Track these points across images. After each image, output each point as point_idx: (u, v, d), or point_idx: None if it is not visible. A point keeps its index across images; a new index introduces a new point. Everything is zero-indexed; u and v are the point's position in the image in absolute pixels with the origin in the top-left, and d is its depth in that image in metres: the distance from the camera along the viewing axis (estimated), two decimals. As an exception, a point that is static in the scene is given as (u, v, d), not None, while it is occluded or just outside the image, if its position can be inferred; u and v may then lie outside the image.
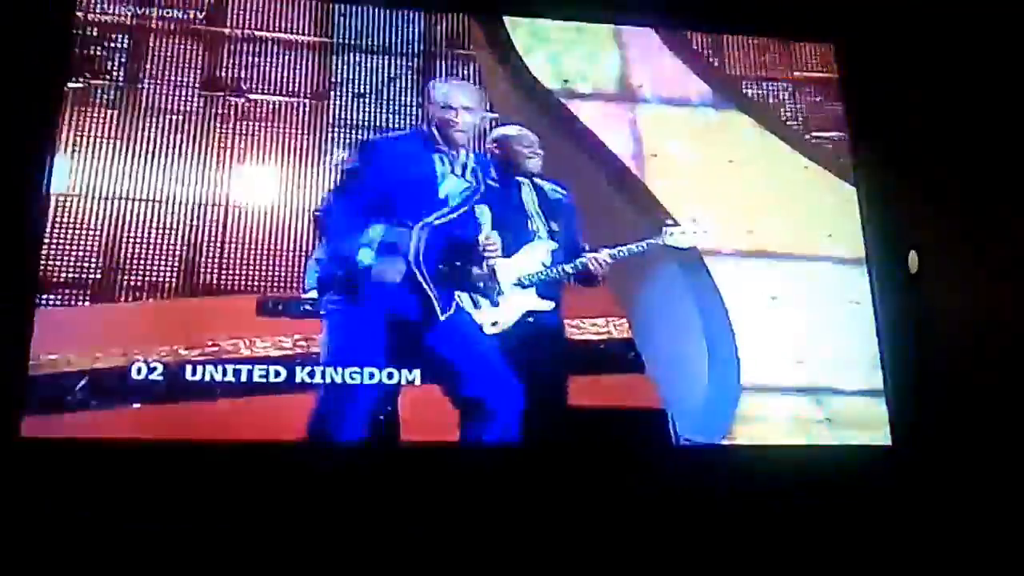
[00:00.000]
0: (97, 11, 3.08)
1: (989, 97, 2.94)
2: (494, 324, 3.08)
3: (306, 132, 3.11)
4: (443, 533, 2.62)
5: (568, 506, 2.74)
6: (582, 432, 2.97)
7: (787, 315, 3.32)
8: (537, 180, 3.25)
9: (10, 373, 2.61)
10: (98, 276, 2.86)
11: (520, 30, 3.47)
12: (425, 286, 2.91)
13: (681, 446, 3.00)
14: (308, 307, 2.94)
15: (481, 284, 3.07)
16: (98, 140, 2.97)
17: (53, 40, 2.93)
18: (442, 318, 2.92)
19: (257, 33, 3.19)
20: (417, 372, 2.89)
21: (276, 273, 2.97)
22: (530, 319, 3.10)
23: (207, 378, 2.80)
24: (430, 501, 2.67)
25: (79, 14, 3.04)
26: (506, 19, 3.46)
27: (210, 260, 2.95)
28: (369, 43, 3.27)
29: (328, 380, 2.82)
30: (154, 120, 3.02)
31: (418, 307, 2.91)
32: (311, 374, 2.83)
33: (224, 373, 2.81)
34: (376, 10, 3.31)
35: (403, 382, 2.87)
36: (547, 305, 3.13)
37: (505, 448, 2.86)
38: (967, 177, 3.01)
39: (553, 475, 2.79)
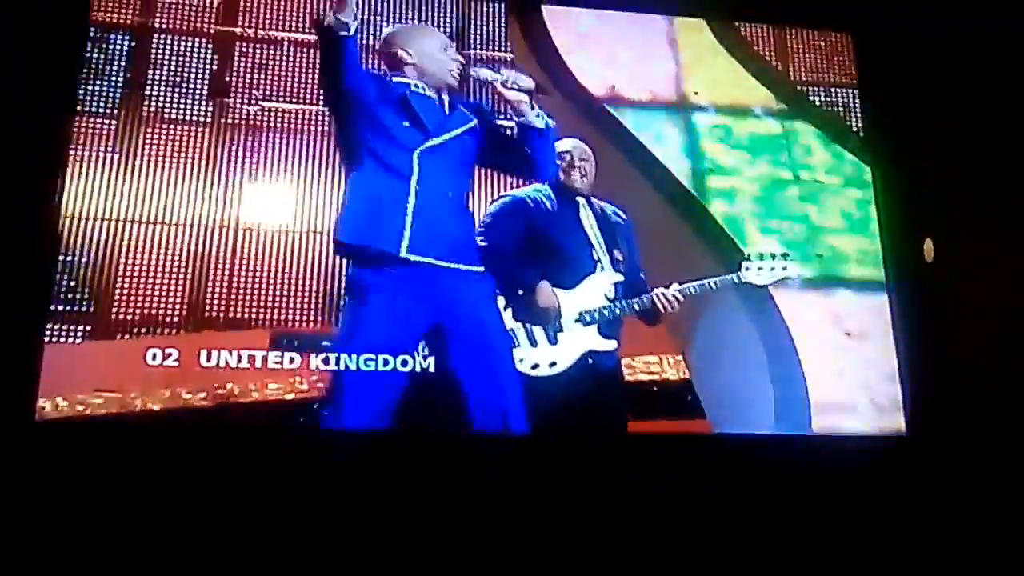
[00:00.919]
0: (94, 8, 2.77)
1: (1005, 84, 2.82)
2: (552, 364, 2.74)
3: (325, 144, 2.79)
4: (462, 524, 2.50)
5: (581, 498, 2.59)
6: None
7: (863, 353, 2.98)
8: (595, 201, 2.92)
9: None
10: (91, 309, 2.54)
11: (561, 30, 3.13)
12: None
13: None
14: (327, 344, 2.59)
15: (545, 318, 2.74)
16: (92, 153, 2.65)
17: (58, 45, 2.67)
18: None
19: (272, 33, 2.87)
20: (432, 359, 2.60)
21: (292, 304, 2.65)
22: (590, 360, 2.77)
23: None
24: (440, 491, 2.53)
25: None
26: (546, 18, 3.12)
27: (217, 290, 2.63)
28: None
29: (343, 367, 2.55)
30: (156, 131, 2.71)
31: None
32: (325, 360, 2.56)
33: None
34: (406, 9, 2.96)
35: (417, 369, 2.58)
36: (609, 345, 2.80)
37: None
38: (983, 163, 2.87)
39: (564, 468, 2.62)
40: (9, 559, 2.25)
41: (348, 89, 2.63)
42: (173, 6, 2.80)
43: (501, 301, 2.75)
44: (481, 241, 2.76)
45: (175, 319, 2.57)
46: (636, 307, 2.82)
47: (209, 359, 2.53)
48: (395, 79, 2.72)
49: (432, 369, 2.58)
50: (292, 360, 2.56)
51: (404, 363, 2.57)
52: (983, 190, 2.86)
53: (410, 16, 2.95)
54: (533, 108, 2.69)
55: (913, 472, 2.74)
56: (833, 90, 3.28)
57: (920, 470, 2.74)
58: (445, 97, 2.72)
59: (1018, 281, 2.70)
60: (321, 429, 2.53)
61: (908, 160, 3.11)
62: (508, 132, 2.81)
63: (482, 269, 2.69)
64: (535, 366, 2.74)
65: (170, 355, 2.51)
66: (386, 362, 2.55)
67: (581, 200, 2.89)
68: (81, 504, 2.34)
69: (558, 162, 2.87)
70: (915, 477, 2.73)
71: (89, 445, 2.41)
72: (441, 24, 2.96)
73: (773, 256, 2.94)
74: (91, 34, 2.72)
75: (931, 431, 2.84)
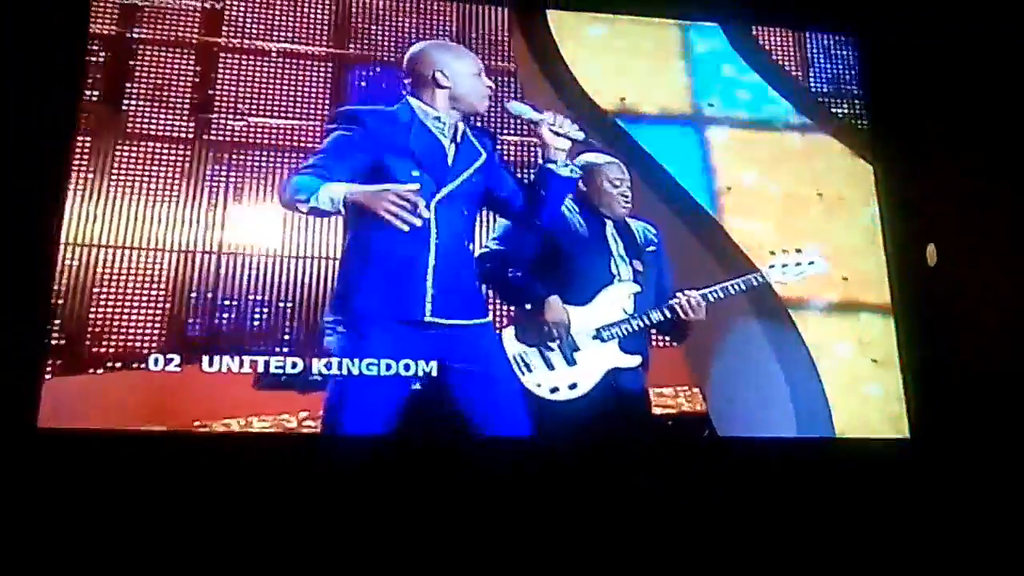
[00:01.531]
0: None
1: (1010, 88, 2.73)
2: (573, 387, 2.57)
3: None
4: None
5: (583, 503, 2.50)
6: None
7: (891, 381, 2.81)
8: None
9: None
10: (62, 342, 2.36)
11: (568, 40, 2.97)
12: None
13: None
14: (317, 378, 2.41)
15: (554, 336, 2.56)
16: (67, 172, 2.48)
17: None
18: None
19: (259, 44, 2.70)
20: (434, 363, 2.42)
21: (279, 335, 2.47)
22: (612, 381, 2.59)
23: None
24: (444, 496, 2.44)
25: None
26: (552, 27, 2.97)
27: (199, 319, 2.46)
28: (392, 54, 2.77)
29: (345, 371, 2.39)
30: (134, 148, 2.54)
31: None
32: (327, 365, 2.42)
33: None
34: (400, 14, 2.81)
35: (420, 373, 2.41)
36: (632, 361, 2.61)
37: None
38: (987, 169, 2.78)
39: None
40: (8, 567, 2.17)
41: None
42: (151, 15, 2.64)
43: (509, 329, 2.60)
44: (496, 245, 2.61)
45: (152, 351, 2.39)
46: (656, 317, 2.64)
47: (211, 364, 2.38)
48: (411, 99, 2.49)
49: (435, 374, 2.42)
50: (295, 366, 2.41)
51: (407, 367, 2.40)
52: (986, 195, 2.78)
53: (406, 23, 2.80)
54: (566, 156, 2.49)
55: (916, 475, 2.66)
56: (856, 102, 3.12)
57: (923, 474, 2.67)
58: (460, 125, 2.50)
59: (1020, 285, 2.63)
60: (322, 436, 2.41)
61: (912, 164, 3.00)
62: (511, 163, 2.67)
63: (488, 320, 2.53)
64: (554, 390, 2.56)
65: (171, 360, 2.36)
66: (389, 367, 2.39)
67: (608, 219, 2.73)
68: (81, 514, 2.24)
69: (607, 185, 2.71)
70: (918, 480, 2.65)
71: (90, 454, 2.30)
72: (439, 33, 2.81)
73: (799, 251, 2.78)
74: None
75: (934, 434, 2.76)
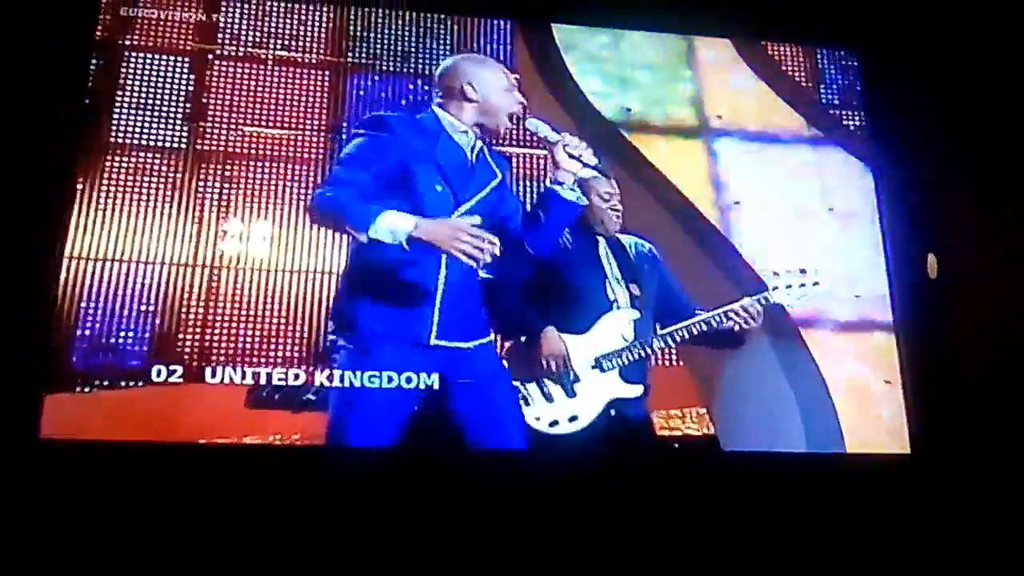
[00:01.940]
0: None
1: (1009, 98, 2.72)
2: (573, 419, 2.48)
3: (313, 174, 2.56)
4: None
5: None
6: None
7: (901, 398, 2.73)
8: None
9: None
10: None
11: (573, 50, 2.91)
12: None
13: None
14: (312, 397, 2.35)
15: (552, 370, 2.49)
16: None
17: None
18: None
19: (253, 51, 2.65)
20: (436, 376, 2.34)
21: (272, 352, 2.40)
22: (613, 412, 2.50)
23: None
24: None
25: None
26: (557, 37, 2.91)
27: (189, 336, 2.38)
28: (391, 63, 2.73)
29: (348, 383, 2.33)
30: (124, 159, 2.48)
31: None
32: (329, 377, 2.37)
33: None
34: (400, 24, 2.75)
35: (422, 386, 2.34)
36: (634, 391, 2.53)
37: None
38: (988, 179, 2.77)
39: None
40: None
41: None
42: (144, 21, 2.58)
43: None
44: (485, 274, 2.49)
45: (140, 368, 2.32)
46: (658, 345, 2.56)
47: (214, 375, 2.34)
48: (437, 111, 2.41)
49: (436, 387, 2.35)
50: (297, 377, 2.37)
51: (408, 380, 2.33)
52: (988, 205, 2.75)
53: (407, 33, 2.74)
54: (575, 182, 2.40)
55: (916, 492, 2.62)
56: (866, 114, 3.04)
57: (923, 490, 2.63)
58: (478, 143, 2.42)
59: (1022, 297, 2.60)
60: (324, 448, 2.35)
61: (917, 176, 2.95)
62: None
63: (491, 338, 2.44)
64: (554, 423, 2.48)
65: (175, 371, 2.32)
66: (390, 379, 2.32)
67: (601, 236, 2.65)
68: (83, 523, 2.21)
69: (596, 199, 2.61)
70: (918, 497, 2.61)
71: (92, 464, 2.27)
72: (440, 43, 2.75)
73: (803, 271, 2.67)
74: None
75: (934, 450, 2.70)
